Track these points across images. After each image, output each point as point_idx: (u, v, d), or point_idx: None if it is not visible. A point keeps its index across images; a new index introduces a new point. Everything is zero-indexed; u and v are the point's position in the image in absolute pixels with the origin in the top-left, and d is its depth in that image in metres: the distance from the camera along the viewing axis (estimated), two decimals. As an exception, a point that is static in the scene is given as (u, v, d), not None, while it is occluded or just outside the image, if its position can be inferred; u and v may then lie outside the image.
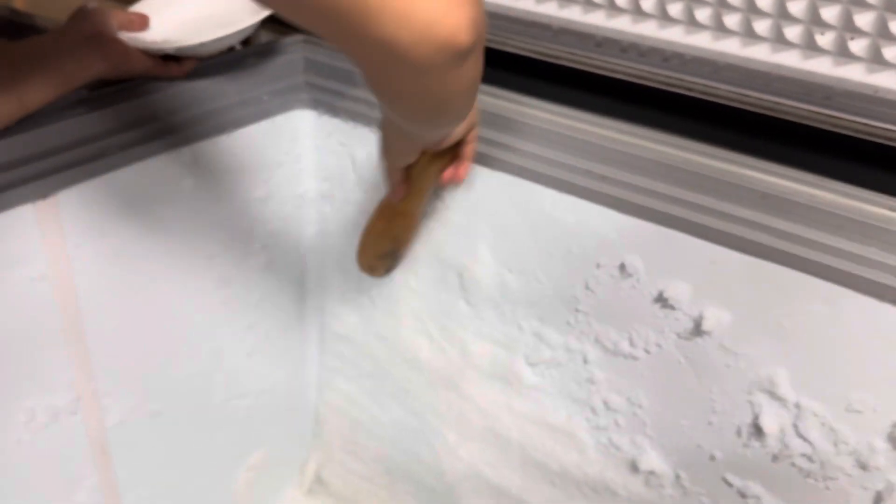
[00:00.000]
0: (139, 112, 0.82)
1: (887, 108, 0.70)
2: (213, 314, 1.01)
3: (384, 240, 0.93)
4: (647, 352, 0.87)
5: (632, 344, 0.88)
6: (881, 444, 0.75)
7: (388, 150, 0.79)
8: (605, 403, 0.94)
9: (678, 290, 0.81)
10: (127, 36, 0.84)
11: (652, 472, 0.93)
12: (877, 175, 0.75)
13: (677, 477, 0.92)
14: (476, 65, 0.48)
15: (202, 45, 0.85)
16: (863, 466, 0.77)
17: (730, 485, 0.88)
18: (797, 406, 0.79)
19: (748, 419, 0.83)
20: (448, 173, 0.84)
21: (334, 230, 1.09)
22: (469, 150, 0.83)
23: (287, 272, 1.11)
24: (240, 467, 1.19)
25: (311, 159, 1.05)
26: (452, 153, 0.82)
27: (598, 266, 0.86)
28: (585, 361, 0.93)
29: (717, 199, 0.76)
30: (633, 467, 0.94)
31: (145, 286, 0.89)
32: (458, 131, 0.75)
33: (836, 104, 0.73)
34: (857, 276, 0.70)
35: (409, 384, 1.11)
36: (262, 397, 1.17)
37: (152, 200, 0.85)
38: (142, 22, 0.86)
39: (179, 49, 0.85)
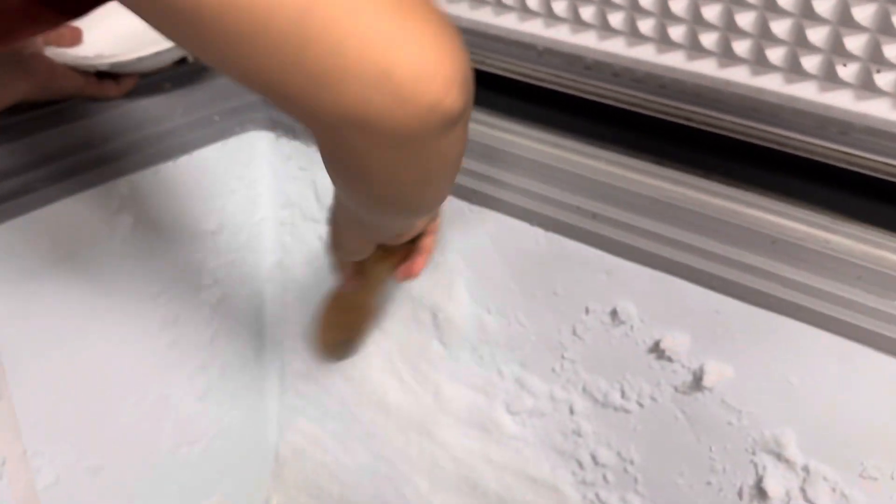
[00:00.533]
0: (68, 139, 0.71)
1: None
2: (159, 357, 0.91)
3: (338, 330, 0.84)
4: (641, 405, 0.79)
5: (623, 396, 0.80)
6: (896, 515, 0.68)
7: (339, 244, 0.67)
8: (593, 457, 0.86)
9: (676, 341, 0.73)
10: (55, 52, 0.73)
11: (643, 532, 0.86)
12: None
13: (671, 538, 0.85)
14: (463, 134, 0.38)
15: (141, 59, 0.74)
16: (873, 534, 0.70)
17: (729, 549, 0.81)
18: (805, 469, 0.72)
19: (751, 481, 0.76)
20: (403, 269, 0.72)
21: (295, 261, 1.00)
22: (428, 242, 0.71)
23: (243, 307, 1.01)
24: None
25: (268, 185, 0.95)
26: (409, 246, 0.71)
27: (587, 311, 0.78)
28: (572, 412, 0.85)
29: (721, 242, 0.68)
30: (623, 526, 0.87)
31: (78, 334, 0.79)
32: (421, 221, 0.64)
33: (852, 140, 0.66)
34: (875, 332, 0.63)
35: (378, 427, 1.02)
36: (216, 441, 1.07)
37: (83, 240, 0.74)
38: (74, 36, 0.75)
39: (116, 65, 0.74)
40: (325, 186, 0.91)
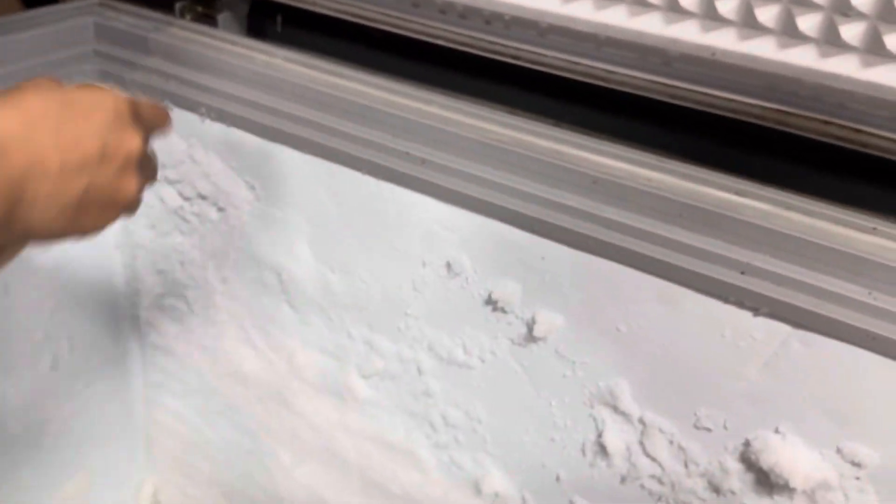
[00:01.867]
0: None
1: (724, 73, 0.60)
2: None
3: None
4: (482, 360, 0.76)
5: (466, 351, 0.76)
6: (734, 465, 0.66)
7: None
8: (444, 418, 0.82)
9: (508, 291, 0.69)
10: None
11: (497, 495, 0.82)
12: (722, 152, 0.66)
13: (523, 500, 0.81)
14: None
15: None
16: (716, 489, 0.68)
17: (578, 508, 0.78)
18: (642, 422, 0.69)
19: (592, 436, 0.73)
20: None
21: (143, 224, 0.94)
22: None
23: (89, 275, 0.95)
24: (50, 501, 1.03)
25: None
26: None
27: (423, 264, 0.74)
28: (420, 372, 0.81)
29: (543, 184, 0.64)
30: (477, 489, 0.83)
31: None
32: None
33: (674, 71, 0.63)
34: (698, 273, 0.60)
35: (237, 400, 0.98)
36: (75, 419, 1.01)
37: None
38: None
39: None
40: (161, 141, 0.85)
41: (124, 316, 1.02)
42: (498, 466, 0.81)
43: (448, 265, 0.72)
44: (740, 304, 0.59)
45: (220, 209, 0.85)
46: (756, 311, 0.59)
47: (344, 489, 0.95)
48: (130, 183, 0.47)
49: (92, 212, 0.45)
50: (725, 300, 0.60)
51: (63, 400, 0.99)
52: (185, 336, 0.98)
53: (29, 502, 1.01)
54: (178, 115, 0.80)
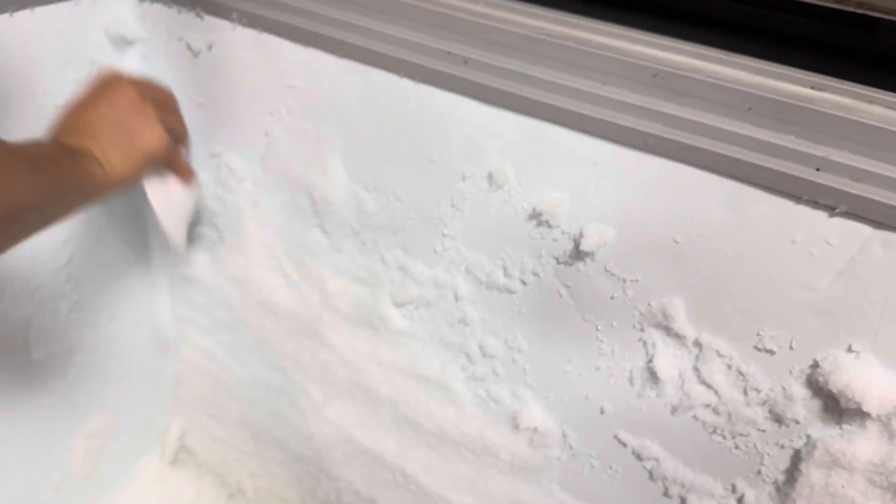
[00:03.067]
0: None
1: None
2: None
3: None
4: (524, 282, 0.71)
5: (506, 273, 0.72)
6: (799, 391, 0.60)
7: None
8: (481, 348, 0.78)
9: (554, 203, 0.65)
10: None
11: (535, 430, 0.78)
12: (794, 54, 0.60)
13: (564, 436, 0.77)
14: None
15: None
16: (778, 419, 0.62)
17: (623, 444, 0.73)
18: (697, 344, 0.63)
19: (641, 362, 0.68)
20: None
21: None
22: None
23: (117, 202, 0.93)
24: (73, 435, 1.01)
25: (136, 56, 0.86)
26: None
27: (463, 178, 0.69)
28: (457, 298, 0.77)
29: (599, 81, 0.59)
30: (514, 424, 0.79)
31: None
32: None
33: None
34: (769, 169, 0.54)
35: (267, 333, 0.94)
36: (102, 353, 0.99)
37: None
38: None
39: None
40: (204, 54, 0.82)
41: (152, 245, 0.99)
42: (537, 400, 0.77)
43: (490, 176, 0.67)
44: (814, 204, 0.53)
45: (252, 127, 0.81)
46: (832, 211, 0.53)
47: (375, 426, 0.91)
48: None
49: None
50: (798, 199, 0.54)
51: (87, 331, 0.97)
52: (214, 266, 0.95)
53: (51, 433, 0.99)
54: (208, 22, 0.77)
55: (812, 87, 0.55)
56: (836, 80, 0.55)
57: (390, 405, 0.88)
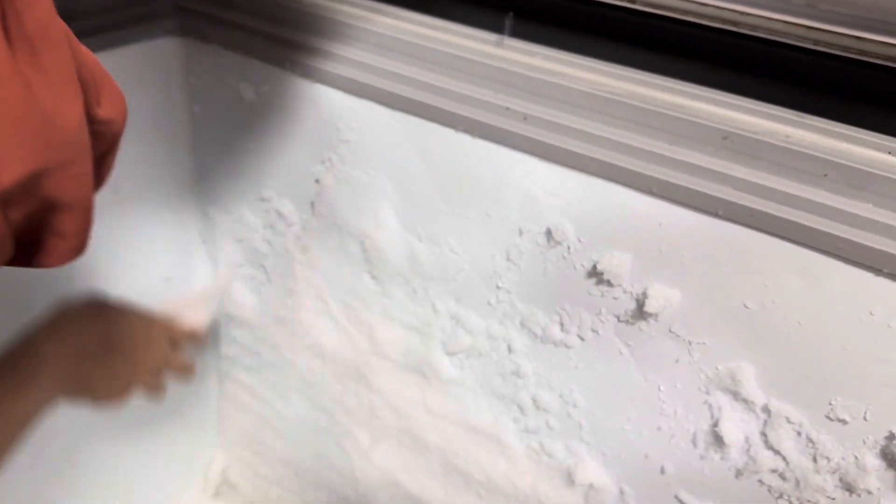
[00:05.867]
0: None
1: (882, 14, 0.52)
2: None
3: None
4: (582, 338, 0.70)
5: (563, 329, 0.70)
6: (872, 461, 0.58)
7: None
8: (535, 401, 0.77)
9: (616, 262, 0.63)
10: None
11: (591, 486, 0.76)
12: (872, 112, 0.58)
13: (621, 493, 0.75)
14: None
15: None
16: (849, 488, 0.60)
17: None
18: (766, 410, 0.62)
19: (706, 425, 0.66)
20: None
21: (220, 171, 0.90)
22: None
23: (167, 240, 0.93)
24: (116, 465, 1.01)
25: (181, 94, 0.86)
26: None
27: (520, 232, 0.68)
28: (510, 350, 0.76)
29: (664, 141, 0.58)
30: (570, 479, 0.77)
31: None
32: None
33: (819, 13, 0.55)
34: (846, 239, 0.52)
35: (314, 375, 0.94)
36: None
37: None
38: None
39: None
40: (251, 97, 0.82)
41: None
42: (594, 456, 0.75)
43: (548, 233, 0.66)
44: (894, 276, 0.51)
45: (302, 173, 0.81)
46: (917, 282, 0.51)
47: (423, 473, 0.90)
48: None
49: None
50: (878, 272, 0.52)
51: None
52: (261, 307, 0.94)
53: (98, 470, 0.99)
54: (261, 69, 0.76)
55: (890, 153, 0.53)
56: (915, 144, 0.54)
57: (439, 453, 0.87)
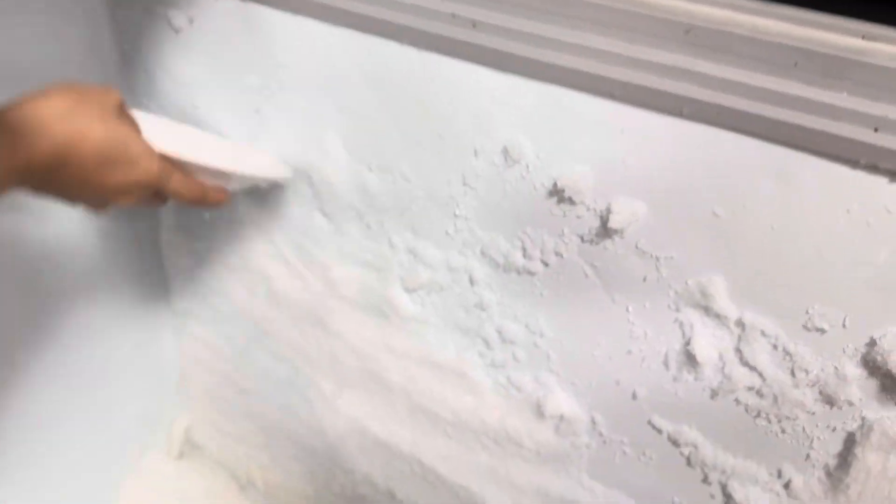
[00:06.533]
0: None
1: None
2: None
3: None
4: (546, 263, 0.66)
5: (526, 254, 0.66)
6: (853, 371, 0.55)
7: None
8: (500, 334, 0.73)
9: (577, 177, 0.59)
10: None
11: (562, 417, 0.73)
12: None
13: (593, 422, 0.72)
14: None
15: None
16: (829, 401, 0.58)
17: (658, 430, 0.68)
18: (740, 324, 0.58)
19: (677, 345, 0.63)
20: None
21: (153, 110, 0.84)
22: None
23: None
24: (76, 429, 0.97)
25: (109, 31, 0.79)
26: None
27: (475, 153, 0.64)
28: (472, 282, 0.72)
29: (625, 39, 0.53)
30: (539, 412, 0.74)
31: None
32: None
33: None
34: (820, 132, 0.49)
35: (271, 324, 0.89)
36: (102, 349, 0.94)
37: None
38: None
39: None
40: (174, 39, 0.75)
41: (145, 240, 0.93)
42: (563, 386, 0.72)
43: (505, 151, 0.62)
44: (873, 168, 0.48)
45: (242, 106, 0.75)
46: (893, 176, 0.48)
47: (390, 417, 0.86)
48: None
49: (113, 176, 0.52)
50: (854, 164, 0.48)
51: (83, 326, 0.92)
52: (210, 256, 0.89)
53: (55, 427, 0.94)
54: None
55: (864, 38, 0.49)
56: (891, 28, 0.50)
57: (404, 394, 0.83)
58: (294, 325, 0.87)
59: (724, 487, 0.67)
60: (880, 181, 0.48)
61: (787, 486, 0.63)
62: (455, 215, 0.68)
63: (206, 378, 1.03)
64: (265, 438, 1.03)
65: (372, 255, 0.76)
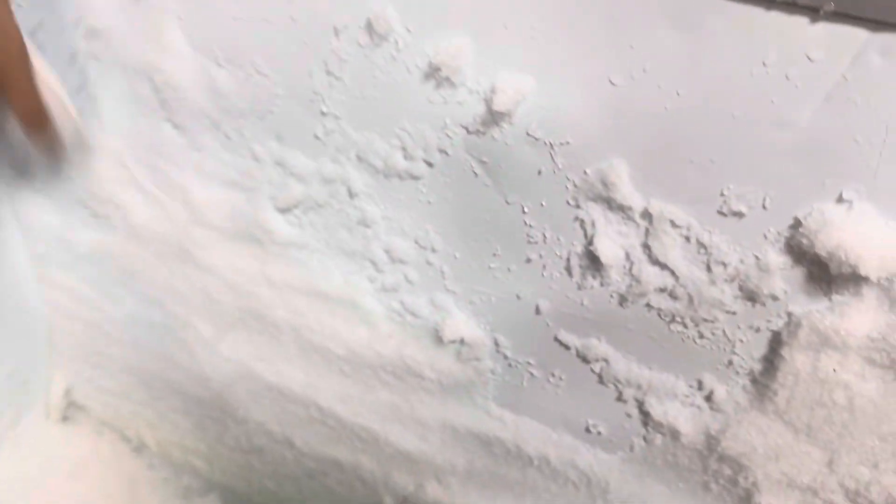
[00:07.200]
0: None
1: None
2: None
3: None
4: (430, 164, 0.57)
5: (407, 155, 0.57)
6: (776, 259, 0.48)
7: None
8: (388, 253, 0.64)
9: (454, 50, 0.49)
10: None
11: (462, 342, 0.65)
12: None
13: (496, 344, 0.64)
14: None
15: None
16: (751, 297, 0.51)
17: (565, 346, 0.61)
18: (647, 216, 0.51)
19: (580, 247, 0.55)
20: None
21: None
22: None
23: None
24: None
25: None
26: None
27: (336, 33, 0.53)
28: (352, 194, 0.62)
29: None
30: (437, 337, 0.66)
31: None
32: None
33: None
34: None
35: (133, 262, 0.78)
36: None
37: None
38: None
39: None
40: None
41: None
42: (461, 306, 0.64)
43: (369, 26, 0.51)
44: (790, 7, 0.40)
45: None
46: (815, 14, 0.39)
47: (278, 358, 0.77)
48: None
49: None
50: (769, 4, 0.40)
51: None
52: (57, 188, 0.77)
53: None
54: None
55: None
56: None
57: (291, 331, 0.74)
58: (160, 262, 0.76)
59: (640, 405, 0.60)
60: (800, 22, 0.40)
61: (708, 397, 0.57)
62: (322, 113, 0.58)
63: (76, 329, 0.92)
64: (148, 393, 0.93)
65: (235, 171, 0.66)
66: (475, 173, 0.55)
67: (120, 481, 1.04)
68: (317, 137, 0.60)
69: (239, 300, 0.74)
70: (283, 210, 0.66)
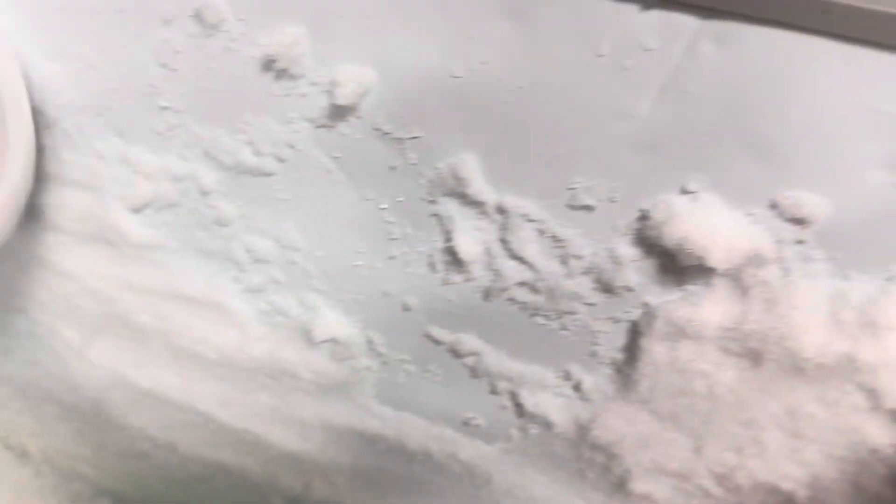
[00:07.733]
0: None
1: None
2: None
3: None
4: (281, 160, 0.53)
5: (256, 151, 0.53)
6: (627, 251, 0.47)
7: None
8: (250, 252, 0.61)
9: (289, 40, 0.46)
10: None
11: (335, 341, 0.63)
12: None
13: (369, 342, 0.62)
14: None
15: None
16: (607, 289, 0.50)
17: (437, 342, 0.59)
18: (501, 210, 0.49)
19: (440, 242, 0.53)
20: None
21: None
22: None
23: None
24: None
25: None
26: None
27: (165, 22, 0.49)
28: (203, 192, 0.58)
29: None
30: (308, 337, 0.63)
31: None
32: None
33: None
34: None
35: (-15, 269, 0.72)
36: None
37: None
38: None
39: None
40: None
41: None
42: (330, 305, 0.61)
43: (198, 15, 0.48)
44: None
45: None
46: (646, 2, 0.38)
47: (151, 364, 0.73)
48: None
49: None
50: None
51: None
52: None
53: None
54: None
55: None
56: None
57: (160, 337, 0.70)
58: (15, 268, 0.71)
59: (514, 396, 0.59)
60: (631, 10, 0.38)
61: (577, 387, 0.56)
62: (162, 108, 0.54)
63: (-64, 342, 0.85)
64: (25, 401, 0.87)
65: (79, 170, 0.61)
66: (328, 169, 0.52)
67: (5, 490, 0.98)
68: (158, 133, 0.56)
69: (101, 306, 0.70)
70: (135, 210, 0.62)
